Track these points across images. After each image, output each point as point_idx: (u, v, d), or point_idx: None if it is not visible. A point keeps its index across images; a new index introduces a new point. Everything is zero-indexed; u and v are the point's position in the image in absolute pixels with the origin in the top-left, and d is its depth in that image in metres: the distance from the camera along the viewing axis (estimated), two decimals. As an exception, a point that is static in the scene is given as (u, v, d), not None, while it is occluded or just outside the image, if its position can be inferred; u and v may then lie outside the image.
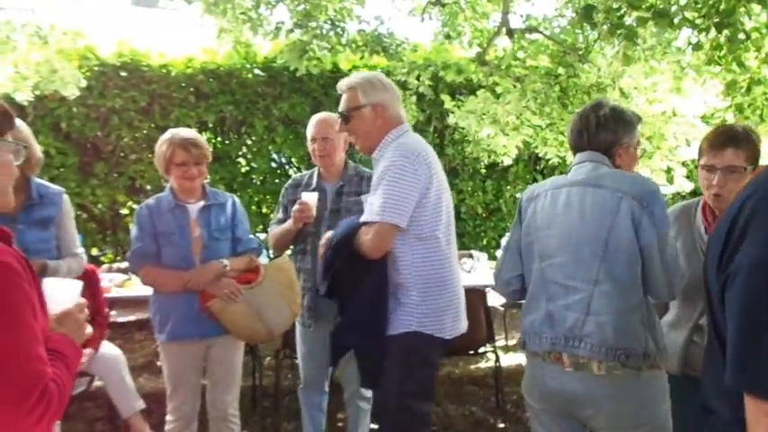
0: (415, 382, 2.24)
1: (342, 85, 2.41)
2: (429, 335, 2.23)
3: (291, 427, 3.86)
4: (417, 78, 5.77)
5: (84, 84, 5.43)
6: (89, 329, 1.55)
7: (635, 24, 3.91)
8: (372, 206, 2.19)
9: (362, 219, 2.22)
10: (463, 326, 2.37)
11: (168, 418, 2.82)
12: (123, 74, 6.29)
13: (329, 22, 5.53)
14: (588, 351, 1.86)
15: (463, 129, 6.13)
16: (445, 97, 6.02)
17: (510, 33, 5.43)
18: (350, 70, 6.55)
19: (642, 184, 1.92)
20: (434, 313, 2.24)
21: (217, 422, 2.86)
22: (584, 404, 1.90)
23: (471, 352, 4.00)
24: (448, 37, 5.81)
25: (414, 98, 5.91)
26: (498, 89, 5.68)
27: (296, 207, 2.86)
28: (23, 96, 5.02)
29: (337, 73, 6.65)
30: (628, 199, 1.87)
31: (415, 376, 2.24)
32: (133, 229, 2.80)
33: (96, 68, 6.17)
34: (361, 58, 5.90)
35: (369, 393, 2.98)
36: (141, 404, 3.51)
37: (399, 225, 2.16)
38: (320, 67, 5.80)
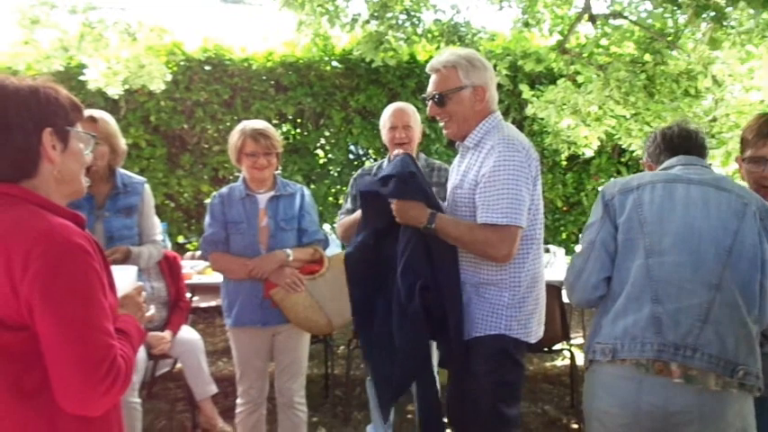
0: (507, 387, 2.15)
1: (437, 63, 2.21)
2: (515, 338, 2.13)
3: (362, 416, 3.90)
4: (494, 68, 5.64)
5: (169, 78, 5.66)
6: (152, 311, 1.62)
7: (723, 5, 3.62)
8: (491, 207, 2.03)
9: (481, 220, 2.06)
10: (543, 328, 2.28)
11: (238, 401, 2.91)
12: (207, 68, 6.52)
13: (405, 12, 5.49)
14: (705, 363, 1.67)
15: (542, 120, 5.96)
16: (524, 87, 5.86)
17: (593, 19, 5.21)
18: (426, 61, 6.49)
19: (759, 198, 1.82)
20: (524, 317, 2.14)
21: (284, 409, 2.92)
22: (688, 422, 1.69)
23: (546, 349, 3.89)
24: (527, 25, 5.63)
25: (491, 88, 5.79)
26: (580, 78, 5.47)
27: None
28: (114, 91, 5.29)
29: (413, 64, 6.62)
30: (752, 206, 1.76)
31: (508, 381, 2.15)
32: (207, 217, 2.89)
33: (182, 63, 6.41)
34: (437, 48, 5.82)
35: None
36: (214, 389, 3.63)
37: (523, 228, 2.04)
38: (396, 59, 5.77)
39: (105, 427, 1.37)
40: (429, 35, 5.64)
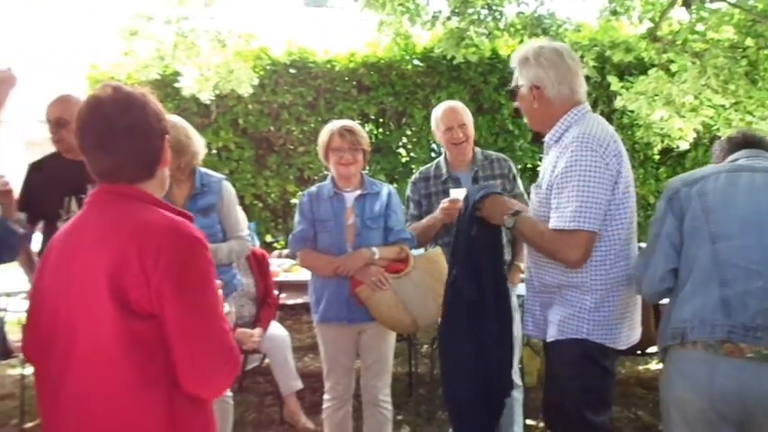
0: (593, 393, 2.06)
1: (512, 58, 2.23)
2: (599, 344, 2.03)
3: (446, 416, 3.87)
4: (581, 59, 5.46)
5: (256, 82, 5.85)
6: (226, 308, 1.69)
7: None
8: (559, 211, 1.98)
9: (552, 225, 2.01)
10: (637, 334, 2.15)
11: (325, 396, 2.96)
12: (292, 71, 6.69)
13: (486, 6, 5.41)
14: None
15: (632, 112, 5.71)
16: (612, 79, 5.64)
17: (687, 4, 4.93)
18: (508, 56, 6.37)
19: None
20: (609, 322, 2.03)
21: (369, 406, 2.94)
22: (765, 410, 1.68)
23: (639, 352, 3.72)
24: (615, 13, 5.41)
25: (577, 81, 5.60)
26: (673, 67, 5.20)
27: (445, 205, 2.84)
28: (206, 96, 5.54)
29: (495, 59, 6.52)
30: None
31: (593, 387, 2.06)
32: (296, 215, 2.96)
33: (268, 67, 6.61)
34: (520, 41, 5.70)
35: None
36: (299, 384, 3.72)
37: (596, 231, 1.97)
38: (478, 54, 5.70)
39: (210, 414, 1.47)
40: (511, 29, 5.53)
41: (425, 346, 4.98)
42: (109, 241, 1.35)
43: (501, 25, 5.51)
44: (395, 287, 2.74)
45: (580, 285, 2.04)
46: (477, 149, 3.13)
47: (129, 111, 1.41)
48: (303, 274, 4.36)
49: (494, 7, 5.50)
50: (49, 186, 2.96)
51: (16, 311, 4.32)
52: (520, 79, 2.15)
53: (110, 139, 1.39)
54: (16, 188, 2.98)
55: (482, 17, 5.45)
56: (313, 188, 2.98)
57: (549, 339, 2.12)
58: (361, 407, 3.01)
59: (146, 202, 1.43)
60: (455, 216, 2.72)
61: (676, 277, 1.90)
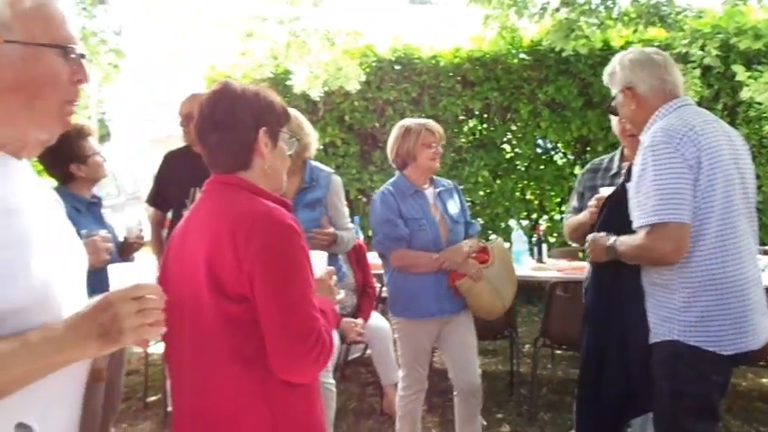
0: (690, 398, 1.96)
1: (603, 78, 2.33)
2: (693, 346, 1.94)
3: (548, 417, 3.79)
4: (702, 48, 5.12)
5: (363, 78, 5.96)
6: (341, 294, 1.74)
7: None
8: (644, 205, 1.93)
9: (637, 223, 1.97)
10: (756, 339, 1.98)
11: (402, 388, 3.03)
12: (397, 67, 6.75)
13: (598, -4, 5.19)
14: None
15: (761, 104, 5.28)
16: (738, 68, 5.23)
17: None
18: (621, 47, 6.09)
19: None
20: (701, 322, 1.93)
21: (462, 395, 2.99)
22: None
23: (762, 363, 3.45)
24: (742, -3, 5.03)
25: (697, 72, 5.25)
26: (810, 54, 4.76)
27: (592, 202, 2.64)
28: (316, 93, 5.73)
29: (607, 50, 6.23)
30: None
31: (690, 392, 1.97)
32: (377, 214, 2.93)
33: (374, 64, 6.72)
34: (635, 31, 5.43)
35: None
36: (399, 376, 3.76)
37: (684, 221, 1.89)
38: (588, 46, 5.48)
39: (309, 399, 1.50)
40: (625, 18, 5.28)
41: (527, 346, 4.88)
42: (209, 227, 1.45)
43: (614, 14, 5.26)
44: (487, 276, 2.88)
45: (667, 284, 1.98)
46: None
47: (218, 105, 1.50)
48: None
49: (606, -4, 5.28)
50: (177, 177, 3.20)
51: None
52: (613, 90, 2.22)
53: (203, 131, 1.52)
54: (148, 179, 3.25)
55: (593, 7, 5.24)
56: (389, 186, 2.97)
57: (650, 342, 2.07)
58: (436, 398, 3.08)
59: (246, 190, 1.49)
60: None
61: None
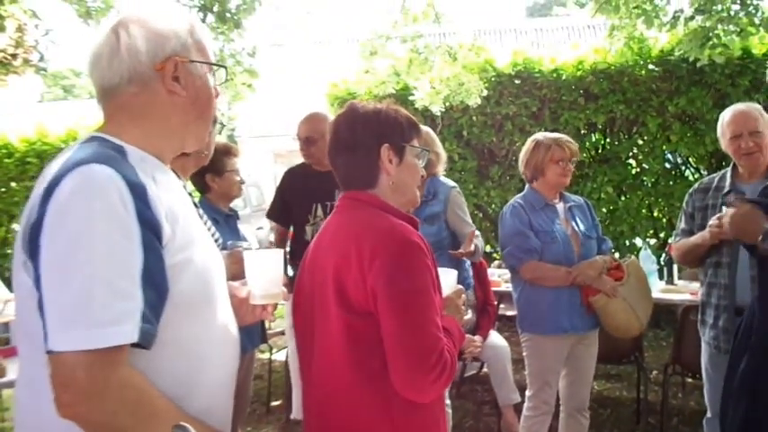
0: None
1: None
2: None
3: (678, 450, 3.56)
4: None
5: (485, 93, 5.96)
6: (469, 315, 1.73)
7: None
8: None
9: None
10: None
11: (528, 408, 2.95)
12: (517, 82, 6.65)
13: (738, 1, 4.85)
14: None
15: None
16: None
17: None
18: (764, 55, 5.65)
19: None
20: None
21: (573, 413, 2.95)
22: None
23: None
24: None
25: None
26: None
27: (714, 222, 2.49)
28: (437, 108, 5.80)
29: (747, 59, 5.80)
30: None
31: None
32: (508, 226, 2.91)
33: (494, 79, 6.66)
34: (780, 38, 5.03)
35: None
36: (517, 397, 3.66)
37: None
38: (726, 55, 5.14)
39: (432, 417, 1.50)
40: (770, 24, 4.90)
41: (655, 372, 4.61)
42: (337, 242, 1.49)
43: (756, 20, 4.90)
44: (622, 293, 2.78)
45: None
46: None
47: (340, 128, 1.57)
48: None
49: (747, 1, 4.93)
50: (299, 194, 3.36)
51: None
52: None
53: (331, 154, 1.60)
54: (270, 192, 3.44)
55: (732, 13, 4.91)
56: (519, 199, 2.96)
57: None
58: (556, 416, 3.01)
59: (374, 206, 1.53)
60: (723, 236, 2.45)
61: None
